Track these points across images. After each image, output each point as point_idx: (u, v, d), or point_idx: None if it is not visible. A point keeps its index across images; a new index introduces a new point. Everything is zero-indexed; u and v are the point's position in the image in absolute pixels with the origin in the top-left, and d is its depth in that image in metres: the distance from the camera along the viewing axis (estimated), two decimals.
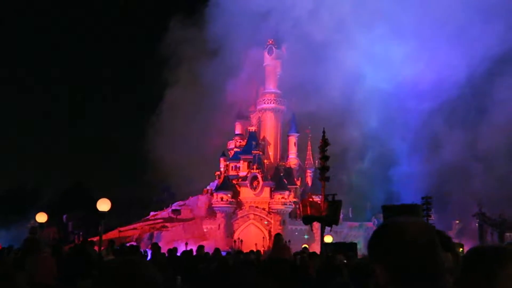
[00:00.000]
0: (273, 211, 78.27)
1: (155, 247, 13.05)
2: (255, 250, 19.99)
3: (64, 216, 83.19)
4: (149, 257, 13.65)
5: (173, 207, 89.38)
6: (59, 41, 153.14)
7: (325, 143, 29.24)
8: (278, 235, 9.56)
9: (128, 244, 18.77)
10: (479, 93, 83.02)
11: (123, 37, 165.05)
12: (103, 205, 18.69)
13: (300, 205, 36.14)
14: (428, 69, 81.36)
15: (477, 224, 68.65)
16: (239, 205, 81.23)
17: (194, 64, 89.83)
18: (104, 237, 19.97)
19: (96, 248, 14.78)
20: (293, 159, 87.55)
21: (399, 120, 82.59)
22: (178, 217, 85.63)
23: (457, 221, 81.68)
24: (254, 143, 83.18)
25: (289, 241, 47.38)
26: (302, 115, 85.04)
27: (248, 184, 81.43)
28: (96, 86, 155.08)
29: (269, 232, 76.67)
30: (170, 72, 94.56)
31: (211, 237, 75.93)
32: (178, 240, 71.10)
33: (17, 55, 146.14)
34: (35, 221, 28.24)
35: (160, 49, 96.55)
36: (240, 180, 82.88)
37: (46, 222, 26.04)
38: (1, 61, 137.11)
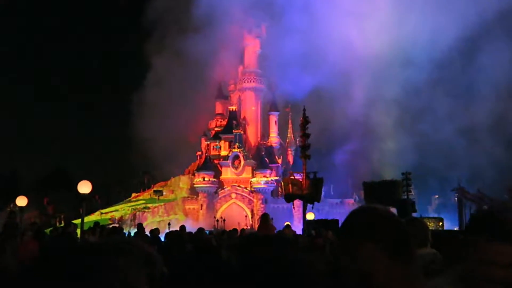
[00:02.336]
0: (255, 190, 78.51)
1: (140, 228, 13.04)
2: (238, 229, 20.04)
3: (45, 200, 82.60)
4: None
5: (155, 188, 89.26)
6: (41, 22, 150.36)
7: (305, 121, 29.28)
8: (265, 215, 9.63)
9: (110, 226, 18.72)
10: (465, 64, 79.89)
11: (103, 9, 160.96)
12: (84, 187, 18.56)
13: (282, 183, 36.30)
14: (416, 34, 77.98)
15: (456, 199, 69.25)
16: (221, 184, 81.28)
17: (178, 38, 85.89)
18: (86, 219, 19.86)
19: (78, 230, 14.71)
20: (274, 138, 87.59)
21: (386, 92, 79.74)
22: (160, 198, 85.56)
23: (436, 196, 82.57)
24: (234, 122, 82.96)
25: (272, 219, 47.62)
26: (282, 94, 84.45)
27: (230, 164, 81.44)
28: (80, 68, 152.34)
29: (252, 210, 77.04)
30: (154, 46, 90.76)
31: (194, 217, 76.04)
32: (160, 221, 71.18)
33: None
34: (15, 204, 27.96)
35: (143, 21, 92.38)
36: (221, 159, 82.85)
37: (26, 205, 25.79)
38: None
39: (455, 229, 53.14)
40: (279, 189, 71.83)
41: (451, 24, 76.01)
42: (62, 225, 47.35)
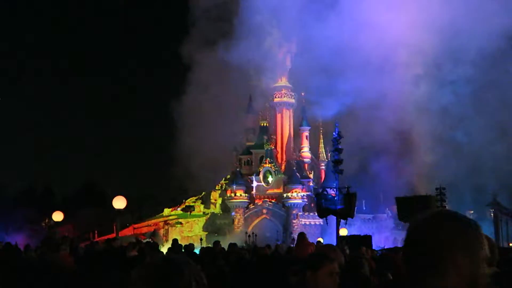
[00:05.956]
0: (286, 205, 78.22)
1: (175, 243, 13.09)
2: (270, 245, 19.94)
3: (79, 214, 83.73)
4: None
5: (187, 203, 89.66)
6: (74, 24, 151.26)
7: (338, 135, 29.17)
8: (301, 234, 9.63)
9: (145, 241, 18.83)
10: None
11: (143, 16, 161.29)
12: (119, 202, 18.81)
13: (315, 198, 36.15)
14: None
15: (492, 214, 67.41)
16: (252, 199, 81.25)
17: (218, 47, 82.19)
18: (119, 234, 20.09)
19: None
20: (305, 152, 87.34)
21: (424, 96, 72.65)
22: (192, 212, 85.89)
23: (471, 211, 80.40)
24: (265, 137, 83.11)
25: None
26: (313, 109, 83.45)
27: (261, 179, 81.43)
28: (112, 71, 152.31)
29: (283, 226, 76.71)
30: (194, 47, 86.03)
31: (225, 232, 76.00)
32: (192, 236, 71.43)
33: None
34: (51, 219, 28.41)
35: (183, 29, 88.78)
36: (253, 174, 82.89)
37: (62, 220, 26.18)
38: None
39: None
40: (311, 204, 71.45)
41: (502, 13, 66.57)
42: (95, 239, 47.87)
